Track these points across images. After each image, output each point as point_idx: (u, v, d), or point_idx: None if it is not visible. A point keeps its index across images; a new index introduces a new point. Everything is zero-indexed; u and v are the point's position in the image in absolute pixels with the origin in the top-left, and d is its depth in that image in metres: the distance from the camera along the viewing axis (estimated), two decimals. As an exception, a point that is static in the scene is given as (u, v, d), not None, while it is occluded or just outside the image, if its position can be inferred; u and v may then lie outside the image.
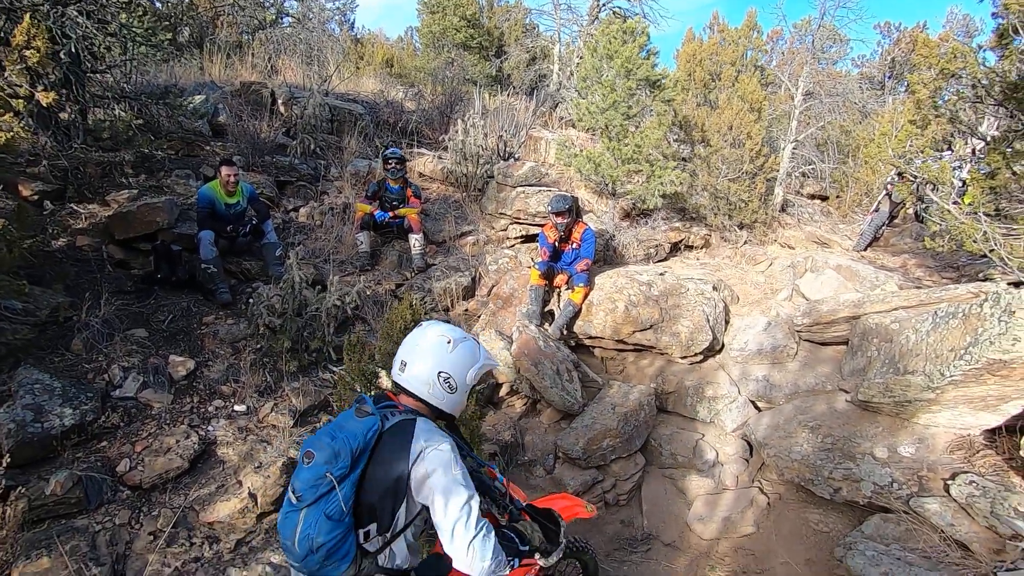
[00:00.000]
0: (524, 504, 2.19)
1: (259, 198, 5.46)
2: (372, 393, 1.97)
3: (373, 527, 1.71)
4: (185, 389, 4.02)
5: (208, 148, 6.70)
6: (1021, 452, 2.97)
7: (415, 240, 5.90)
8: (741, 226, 7.27)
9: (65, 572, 2.68)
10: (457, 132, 7.17)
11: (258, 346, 4.48)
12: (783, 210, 8.09)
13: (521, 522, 2.05)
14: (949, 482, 3.30)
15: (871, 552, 3.22)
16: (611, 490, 4.52)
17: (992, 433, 3.49)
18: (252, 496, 3.35)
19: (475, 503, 1.70)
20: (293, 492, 1.67)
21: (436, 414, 1.89)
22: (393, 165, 5.97)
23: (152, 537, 3.07)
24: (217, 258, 4.88)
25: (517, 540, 1.91)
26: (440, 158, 7.58)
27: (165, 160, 6.14)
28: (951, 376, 3.19)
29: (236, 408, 4.01)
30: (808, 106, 9.19)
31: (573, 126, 9.03)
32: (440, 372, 1.83)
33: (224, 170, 4.99)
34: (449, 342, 1.85)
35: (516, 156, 7.72)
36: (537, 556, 2.01)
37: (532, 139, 8.20)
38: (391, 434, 1.73)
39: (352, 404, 1.84)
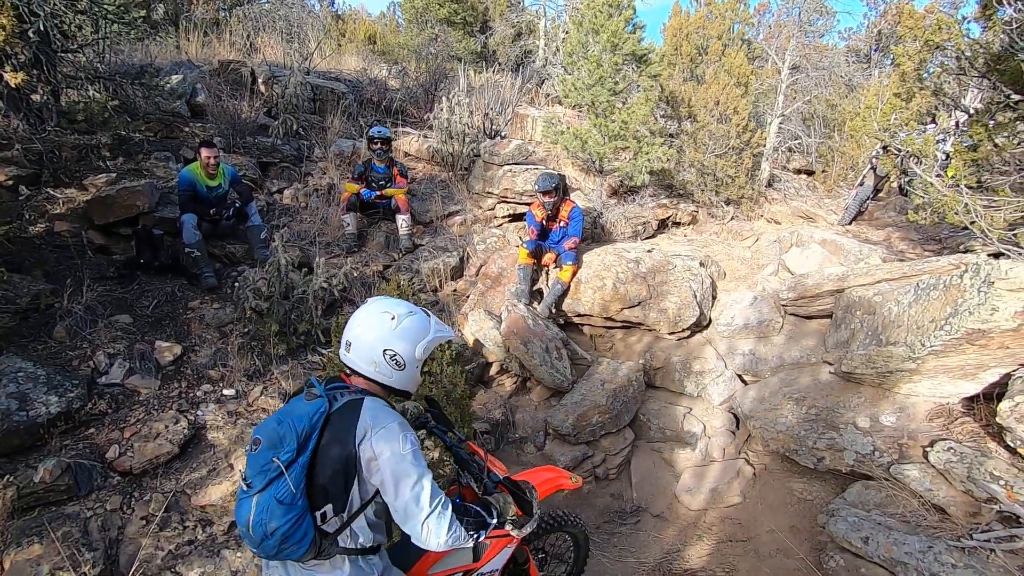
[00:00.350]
0: (501, 477, 2.19)
1: (241, 180, 5.37)
2: (324, 375, 1.95)
3: (328, 508, 1.68)
4: (172, 375, 4.00)
5: (187, 129, 6.55)
6: (997, 419, 3.04)
7: (402, 220, 5.86)
8: (728, 202, 7.29)
9: (57, 558, 2.69)
10: (442, 110, 7.07)
11: (245, 330, 4.45)
12: (770, 185, 8.11)
13: (494, 494, 2.04)
14: (928, 449, 3.39)
15: (853, 518, 3.32)
16: (601, 465, 4.60)
17: (970, 401, 3.57)
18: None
19: (426, 481, 1.69)
20: (244, 479, 1.65)
21: (388, 392, 1.86)
22: (379, 146, 5.89)
23: (144, 522, 3.07)
24: (200, 242, 4.81)
25: (484, 513, 1.90)
26: (425, 137, 7.48)
27: (143, 142, 6.00)
28: (931, 346, 3.25)
29: (225, 392, 4.00)
30: (795, 80, 9.15)
31: (560, 103, 8.93)
32: (385, 350, 1.78)
33: (204, 152, 4.89)
34: (393, 318, 1.80)
35: (502, 134, 7.64)
36: (509, 527, 1.99)
37: (518, 116, 8.11)
38: (339, 415, 1.70)
39: (304, 388, 1.80)
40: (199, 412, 3.79)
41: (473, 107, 7.46)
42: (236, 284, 4.64)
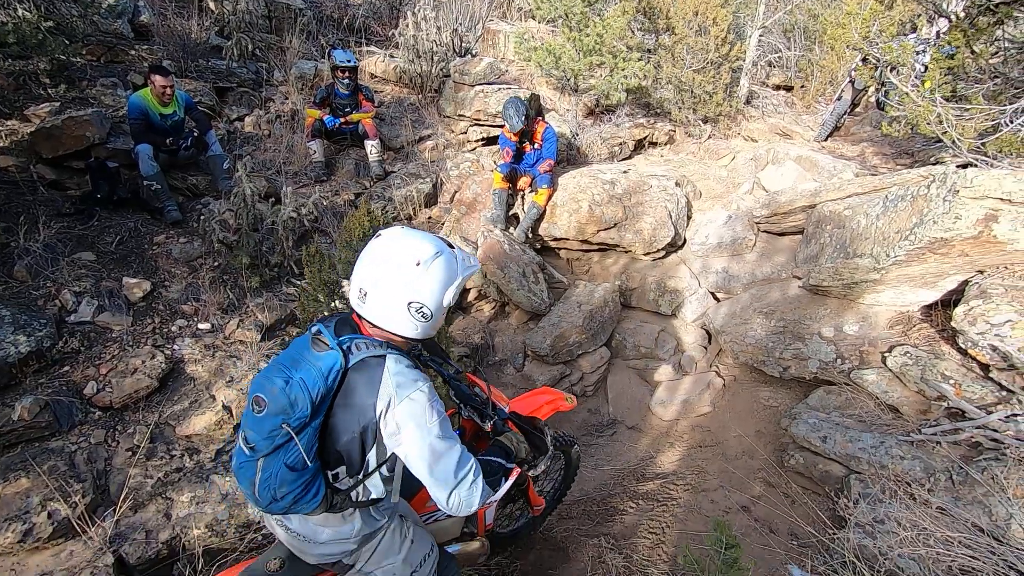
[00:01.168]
0: (508, 412, 2.15)
1: (197, 107, 5.07)
2: (331, 314, 1.68)
3: (342, 469, 1.56)
4: (144, 311, 3.94)
5: (133, 52, 6.10)
6: (952, 323, 3.19)
7: (371, 147, 5.65)
8: (706, 120, 7.15)
9: (46, 490, 2.74)
10: (408, 26, 6.66)
11: (216, 264, 4.36)
12: (748, 102, 7.94)
13: (506, 434, 2.00)
14: (886, 354, 3.56)
15: (813, 420, 3.53)
16: (578, 383, 4.76)
17: (929, 308, 3.72)
18: (227, 408, 3.41)
19: (454, 454, 1.54)
20: (245, 441, 1.48)
21: (409, 342, 1.65)
22: (347, 76, 5.53)
23: (130, 453, 3.13)
24: (159, 174, 4.60)
25: (503, 459, 1.84)
26: (392, 56, 7.08)
27: (86, 67, 5.60)
28: (896, 256, 3.34)
29: (200, 326, 3.98)
30: (777, -12, 8.76)
31: (533, 17, 8.45)
32: (411, 303, 1.51)
33: (158, 80, 4.56)
34: (418, 264, 1.49)
35: (473, 52, 7.27)
36: (524, 464, 1.98)
37: (489, 33, 7.69)
38: (356, 372, 1.49)
39: (308, 329, 1.59)
40: (175, 347, 3.78)
41: (441, 23, 7.04)
42: (202, 217, 4.50)
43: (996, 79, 4.06)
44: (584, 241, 5.26)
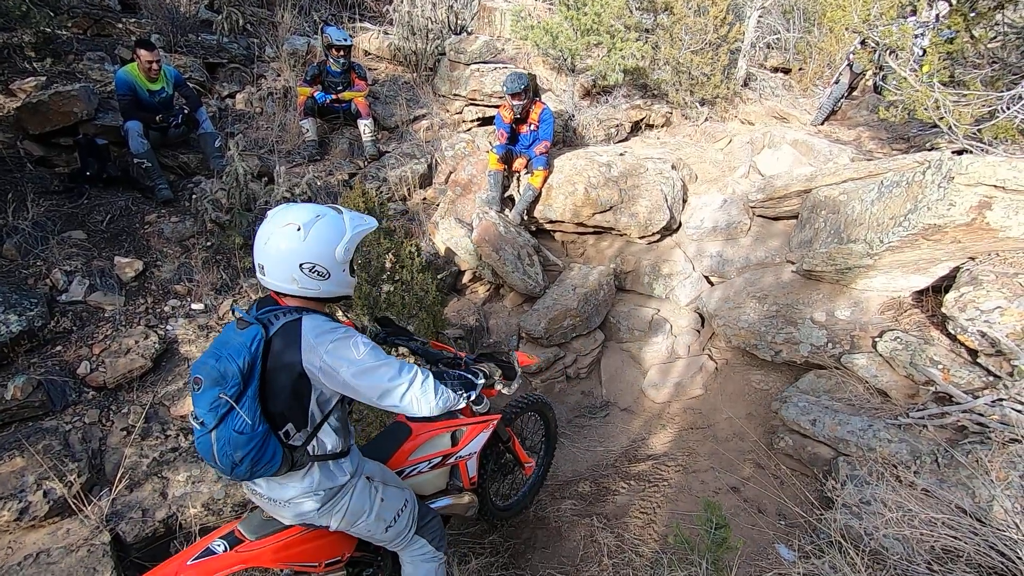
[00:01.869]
0: (477, 355, 2.34)
1: (187, 83, 4.97)
2: (254, 298, 1.90)
3: (290, 427, 1.70)
4: (137, 290, 3.91)
5: (121, 26, 5.95)
6: (943, 309, 3.22)
7: (364, 126, 5.58)
8: (703, 102, 7.09)
9: (41, 469, 2.75)
10: (402, 2, 6.53)
11: (208, 243, 4.33)
12: (745, 85, 7.88)
13: (475, 365, 2.17)
14: (877, 339, 3.59)
15: (803, 403, 3.58)
16: (572, 365, 4.79)
17: (920, 294, 3.76)
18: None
19: (393, 362, 1.70)
20: (195, 419, 1.62)
21: (323, 303, 1.80)
22: (341, 55, 5.43)
23: (125, 432, 3.14)
24: (150, 151, 4.52)
25: (469, 376, 1.99)
26: (386, 33, 6.95)
27: (72, 41, 5.46)
28: (889, 242, 3.35)
29: (194, 307, 3.96)
30: (777, -33, 8.63)
31: (529, -6, 8.31)
32: (301, 264, 1.65)
33: (144, 55, 4.46)
34: (299, 229, 1.64)
35: (469, 30, 7.14)
36: (499, 386, 2.17)
37: (485, 10, 7.55)
38: (278, 338, 1.64)
39: (232, 315, 1.73)
40: (168, 327, 3.76)
41: (436, -1, 6.90)
42: (193, 196, 4.45)
43: (994, 64, 4.05)
44: (580, 224, 5.25)
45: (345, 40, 5.41)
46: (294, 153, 5.53)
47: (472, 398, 1.96)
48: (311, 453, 1.76)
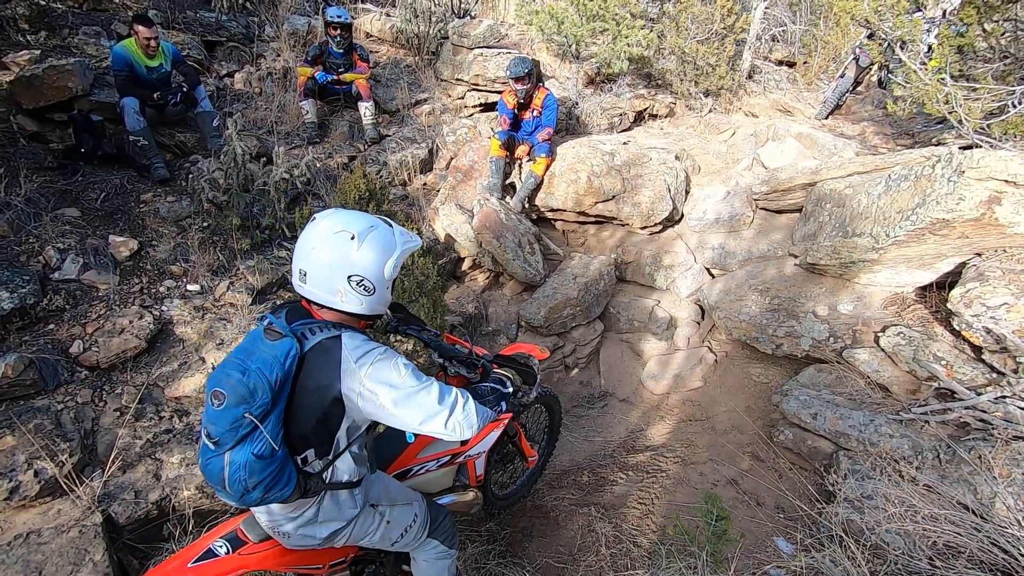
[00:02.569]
0: (492, 356, 2.26)
1: (185, 61, 4.87)
2: (281, 304, 1.72)
3: (310, 452, 1.59)
4: (131, 270, 3.84)
5: (118, 1, 5.82)
6: (948, 304, 3.20)
7: (365, 109, 5.49)
8: (707, 93, 7.02)
9: (32, 448, 2.70)
10: (405, -16, 6.42)
11: (205, 224, 4.25)
12: (750, 77, 7.80)
13: (497, 372, 2.12)
14: (879, 334, 3.57)
15: (804, 397, 3.56)
16: (571, 355, 4.76)
17: (923, 289, 3.73)
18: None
19: (433, 387, 1.61)
20: (208, 437, 1.47)
21: (362, 319, 1.68)
22: (339, 33, 5.34)
23: (119, 413, 3.08)
24: (147, 129, 4.44)
25: (500, 386, 1.96)
26: (388, 15, 6.84)
27: (67, 15, 5.34)
28: (895, 236, 3.32)
29: (189, 288, 3.89)
30: (785, -42, 8.53)
31: (534, -21, 8.18)
32: (350, 276, 1.54)
33: (142, 31, 4.36)
34: (352, 238, 1.53)
35: (472, 13, 7.04)
36: (520, 393, 2.14)
37: (489, -6, 7.44)
38: (314, 356, 1.53)
39: (259, 323, 1.59)
40: (164, 307, 3.70)
41: (440, -19, 6.78)
42: (190, 176, 4.38)
43: (1006, 59, 4.00)
44: (581, 213, 5.20)
45: (341, 17, 5.31)
46: (293, 134, 5.45)
47: (504, 410, 1.89)
48: (325, 480, 1.66)
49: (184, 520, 2.67)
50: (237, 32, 6.11)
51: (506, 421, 2.48)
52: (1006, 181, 2.88)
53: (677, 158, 5.56)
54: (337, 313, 1.61)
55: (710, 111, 7.00)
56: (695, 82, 6.84)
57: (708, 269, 5.04)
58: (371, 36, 6.84)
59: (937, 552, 2.23)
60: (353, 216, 1.59)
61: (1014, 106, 3.65)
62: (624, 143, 5.51)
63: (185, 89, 4.75)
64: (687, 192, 5.49)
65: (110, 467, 2.83)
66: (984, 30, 4.11)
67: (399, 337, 2.74)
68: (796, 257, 4.45)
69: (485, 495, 2.62)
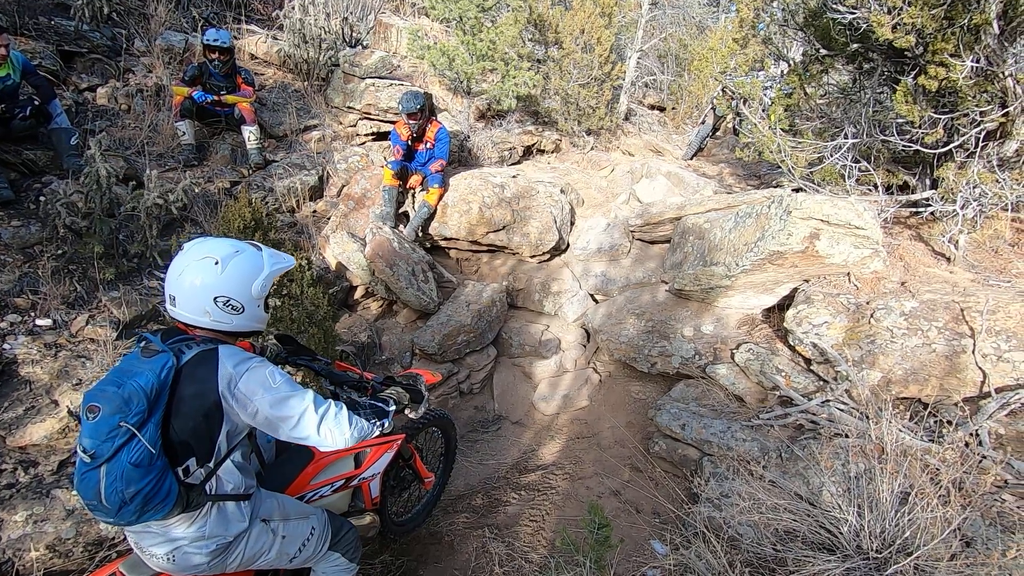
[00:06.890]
0: (382, 378, 2.31)
1: (38, 72, 4.43)
2: (156, 328, 1.81)
3: (192, 461, 1.62)
4: (-36, 303, 3.38)
5: (-50, 0, 5.16)
6: (784, 324, 3.74)
7: (249, 132, 5.30)
8: (589, 132, 7.62)
9: None
10: (294, 8, 6.33)
11: (59, 251, 3.85)
12: (627, 119, 8.59)
13: (384, 392, 2.16)
14: (735, 351, 4.07)
15: (674, 410, 3.94)
16: (465, 380, 4.86)
17: (768, 311, 4.32)
18: (73, 414, 3.04)
19: (308, 395, 1.69)
20: (84, 451, 1.49)
21: (234, 337, 1.78)
22: (217, 57, 5.07)
23: (-54, 468, 2.69)
24: (-14, 145, 3.96)
25: (381, 404, 1.99)
26: (275, 39, 6.69)
27: None
28: (743, 266, 3.84)
29: (39, 322, 3.49)
30: (653, 16, 9.56)
31: (427, 15, 8.43)
32: (216, 297, 1.65)
33: None
34: (216, 263, 1.65)
35: (364, 44, 7.09)
36: (407, 411, 2.18)
37: (382, 26, 7.55)
38: (192, 367, 1.59)
39: (135, 344, 1.64)
40: (6, 345, 3.29)
41: (331, 9, 6.78)
42: (42, 198, 3.97)
43: (822, 118, 4.81)
44: (474, 242, 5.38)
45: (219, 41, 5.01)
46: (167, 156, 5.11)
47: (386, 427, 1.94)
48: (208, 492, 1.66)
49: (31, 584, 2.38)
50: (101, 44, 5.65)
51: (399, 442, 2.52)
52: (822, 220, 3.47)
53: (563, 191, 5.95)
54: (210, 332, 1.71)
55: (592, 148, 7.58)
56: (578, 121, 7.40)
57: (592, 295, 5.42)
58: (256, 58, 6.63)
59: (779, 538, 2.58)
60: (219, 242, 1.71)
61: (828, 157, 4.40)
62: (514, 176, 5.81)
63: (37, 102, 4.31)
64: (572, 223, 5.89)
65: (-67, 532, 2.45)
66: (806, 93, 4.92)
67: (290, 368, 2.70)
68: (667, 284, 4.94)
69: (383, 521, 2.62)
